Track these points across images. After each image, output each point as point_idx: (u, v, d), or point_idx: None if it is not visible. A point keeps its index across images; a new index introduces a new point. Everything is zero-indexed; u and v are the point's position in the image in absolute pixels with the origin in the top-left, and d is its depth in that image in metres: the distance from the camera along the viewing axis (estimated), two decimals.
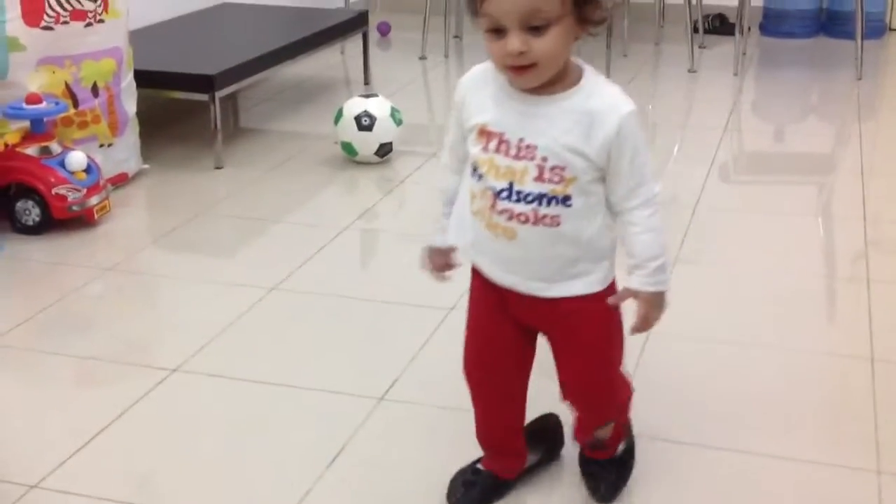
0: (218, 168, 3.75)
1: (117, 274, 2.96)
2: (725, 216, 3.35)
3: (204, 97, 3.65)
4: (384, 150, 3.72)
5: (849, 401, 2.27)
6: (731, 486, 1.96)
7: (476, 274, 1.65)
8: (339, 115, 3.73)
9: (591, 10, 1.42)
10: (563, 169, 1.47)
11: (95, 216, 3.19)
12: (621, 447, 1.84)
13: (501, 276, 1.58)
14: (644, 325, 1.58)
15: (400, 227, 3.31)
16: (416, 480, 1.95)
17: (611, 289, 1.61)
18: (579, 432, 1.81)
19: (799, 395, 2.30)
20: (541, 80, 1.43)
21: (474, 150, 1.52)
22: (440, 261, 1.70)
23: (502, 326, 1.64)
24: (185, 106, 4.04)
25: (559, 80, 1.46)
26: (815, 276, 2.92)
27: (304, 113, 4.51)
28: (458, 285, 1.82)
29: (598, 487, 1.82)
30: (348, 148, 3.72)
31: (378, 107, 3.70)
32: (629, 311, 1.64)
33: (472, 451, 1.89)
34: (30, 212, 3.10)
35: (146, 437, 2.17)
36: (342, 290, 2.83)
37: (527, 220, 1.50)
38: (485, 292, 1.62)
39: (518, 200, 1.49)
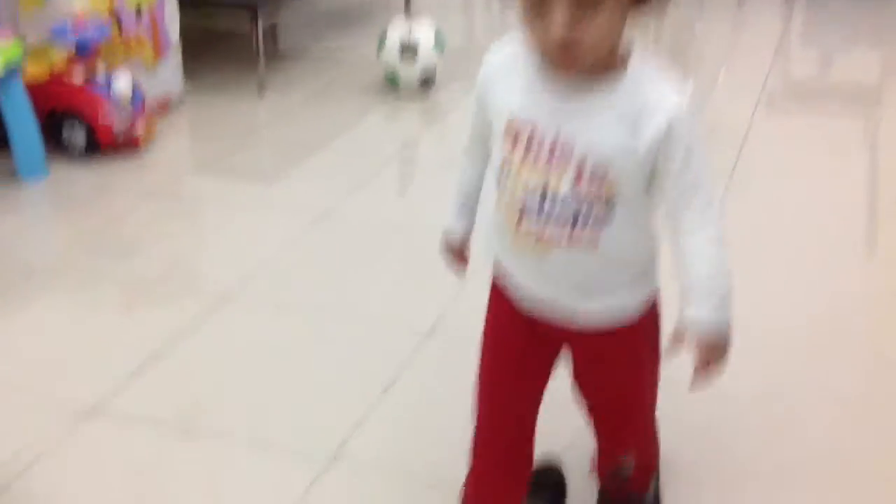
0: (261, 93, 3.73)
1: (162, 199, 2.98)
2: (773, 147, 3.30)
3: (247, 23, 3.62)
4: (427, 80, 3.68)
5: None
6: None
7: (497, 291, 1.43)
8: (382, 42, 3.69)
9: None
10: (605, 172, 1.22)
11: (140, 142, 3.19)
12: (651, 488, 1.61)
13: (528, 297, 1.36)
14: (705, 371, 1.29)
15: (442, 157, 3.29)
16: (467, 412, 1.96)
17: (653, 306, 1.39)
18: (601, 463, 1.56)
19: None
20: (584, 66, 1.19)
21: (501, 150, 1.29)
22: (456, 251, 1.52)
23: (524, 345, 1.41)
24: (226, 31, 4.01)
25: (603, 65, 1.21)
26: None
27: (344, 37, 4.46)
28: None
29: None
30: (392, 78, 3.68)
31: (422, 33, 3.65)
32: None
33: None
34: (76, 137, 3.11)
35: (197, 363, 2.21)
36: (388, 220, 2.83)
37: (559, 244, 1.27)
38: (505, 306, 1.40)
39: (549, 217, 1.25)
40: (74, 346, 2.25)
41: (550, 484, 1.66)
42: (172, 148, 3.32)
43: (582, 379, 1.44)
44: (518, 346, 1.41)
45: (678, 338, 1.28)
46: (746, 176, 3.05)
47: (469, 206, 1.47)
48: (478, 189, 1.46)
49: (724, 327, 1.26)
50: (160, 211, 2.92)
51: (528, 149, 1.25)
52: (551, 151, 1.23)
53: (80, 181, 3.06)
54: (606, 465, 1.54)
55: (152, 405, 2.05)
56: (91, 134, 3.10)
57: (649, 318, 1.37)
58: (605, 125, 1.21)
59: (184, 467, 1.88)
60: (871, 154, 3.32)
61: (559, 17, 1.12)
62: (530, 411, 1.46)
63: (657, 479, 1.65)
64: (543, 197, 1.24)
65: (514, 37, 1.29)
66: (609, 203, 1.24)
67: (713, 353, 1.27)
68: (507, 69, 1.29)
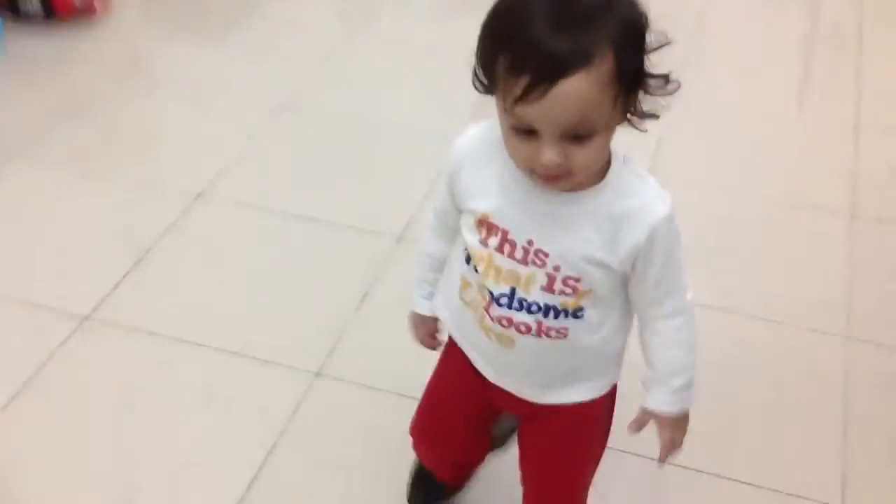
0: None
1: (121, 67, 2.98)
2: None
3: None
4: None
5: None
6: None
7: (454, 347, 1.38)
8: None
9: (634, 99, 1.11)
10: (577, 280, 1.18)
11: (98, 10, 3.14)
12: None
13: (491, 375, 1.33)
14: (670, 450, 1.31)
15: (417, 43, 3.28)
16: None
17: (612, 392, 1.37)
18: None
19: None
20: (573, 186, 1.14)
21: (470, 238, 1.22)
22: (426, 329, 1.44)
23: (472, 403, 1.42)
24: None
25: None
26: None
27: None
28: None
29: None
30: None
31: None
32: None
33: None
34: (33, 5, 3.04)
35: (174, 268, 2.28)
36: (357, 113, 2.87)
37: (528, 331, 1.23)
38: (463, 368, 1.36)
39: (520, 309, 1.21)
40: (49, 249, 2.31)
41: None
42: (130, 15, 3.26)
43: (529, 452, 1.42)
44: (467, 406, 1.43)
45: (641, 423, 1.30)
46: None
47: (436, 285, 1.39)
48: (444, 264, 1.37)
49: (687, 411, 1.29)
50: (118, 79, 2.91)
51: (500, 247, 1.20)
52: (525, 254, 1.18)
53: (38, 50, 3.01)
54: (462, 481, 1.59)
55: (137, 315, 2.13)
56: (48, 2, 3.03)
57: (608, 399, 1.36)
58: (581, 237, 1.16)
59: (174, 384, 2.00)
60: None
61: (550, 153, 1.06)
62: (473, 455, 1.56)
63: None
64: (513, 293, 1.20)
65: (487, 124, 1.21)
66: (580, 304, 1.21)
67: (675, 433, 1.29)
68: (481, 159, 1.21)
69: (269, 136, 2.75)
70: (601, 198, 1.15)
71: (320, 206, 2.48)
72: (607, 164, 1.16)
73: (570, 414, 1.32)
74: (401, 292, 1.49)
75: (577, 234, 1.16)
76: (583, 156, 1.08)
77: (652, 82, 1.09)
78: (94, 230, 2.35)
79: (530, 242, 1.17)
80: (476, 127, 1.24)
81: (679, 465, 1.74)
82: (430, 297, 1.39)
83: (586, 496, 1.47)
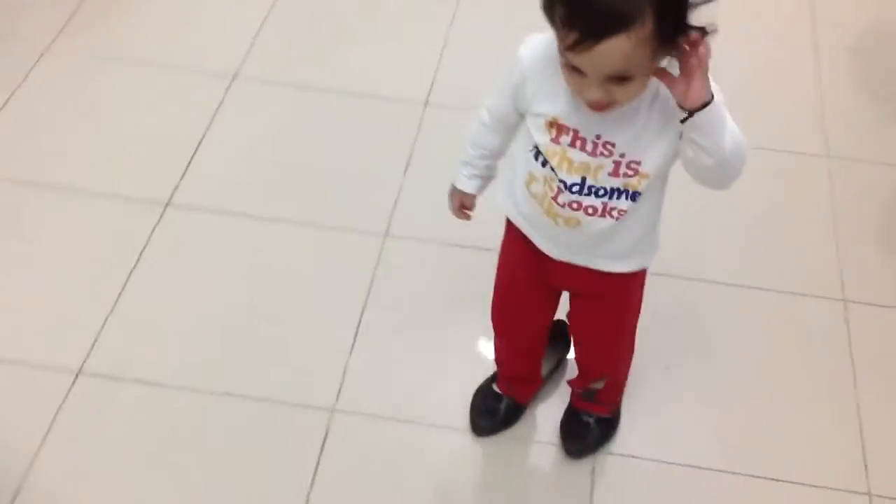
0: None
1: None
2: None
3: None
4: None
5: None
6: None
7: (513, 229, 1.57)
8: None
9: (674, 43, 1.22)
10: (639, 163, 1.35)
11: None
12: (615, 417, 1.87)
13: (552, 253, 1.52)
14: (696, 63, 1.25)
15: None
16: None
17: (645, 270, 1.58)
18: (576, 382, 1.82)
19: None
20: (618, 111, 1.30)
21: (541, 138, 1.38)
22: (460, 202, 1.63)
23: (536, 281, 1.60)
24: None
25: None
26: None
27: None
28: None
29: (573, 443, 1.83)
30: None
31: None
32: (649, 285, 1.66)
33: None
34: None
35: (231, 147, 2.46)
36: None
37: (594, 213, 1.41)
38: (526, 253, 1.56)
39: (588, 194, 1.39)
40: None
41: (557, 335, 1.88)
42: None
43: (578, 316, 1.65)
44: (531, 282, 1.61)
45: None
46: None
47: (486, 173, 1.57)
48: (498, 158, 1.56)
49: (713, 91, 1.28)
50: None
51: (572, 143, 1.36)
52: (594, 147, 1.35)
53: None
54: (581, 384, 1.81)
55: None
56: None
57: (643, 273, 1.58)
58: (641, 123, 1.32)
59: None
60: None
61: (593, 91, 1.23)
62: (541, 331, 1.75)
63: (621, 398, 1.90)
64: (583, 181, 1.38)
65: (547, 37, 1.30)
66: (639, 188, 1.38)
67: (704, 61, 1.24)
68: (546, 68, 1.34)
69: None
70: (649, 96, 1.31)
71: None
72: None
73: (616, 283, 1.54)
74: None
75: (638, 122, 1.33)
76: (623, 93, 1.25)
77: (693, 34, 1.20)
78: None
79: (598, 136, 1.35)
80: (538, 39, 1.36)
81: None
82: (473, 178, 1.58)
83: (632, 343, 1.76)
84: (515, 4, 2.15)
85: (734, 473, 1.91)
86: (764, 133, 2.55)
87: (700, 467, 1.91)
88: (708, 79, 1.23)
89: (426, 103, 2.55)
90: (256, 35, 2.75)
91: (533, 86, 1.37)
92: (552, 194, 1.41)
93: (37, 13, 2.75)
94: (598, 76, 1.22)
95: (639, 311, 1.68)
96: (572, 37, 1.17)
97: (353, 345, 2.05)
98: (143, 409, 1.94)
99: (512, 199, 1.52)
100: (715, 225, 2.37)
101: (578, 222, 1.43)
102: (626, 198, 1.39)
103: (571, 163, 1.37)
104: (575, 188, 1.39)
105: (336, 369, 2.01)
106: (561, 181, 1.39)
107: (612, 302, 1.60)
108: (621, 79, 1.22)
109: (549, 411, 1.95)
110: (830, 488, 1.88)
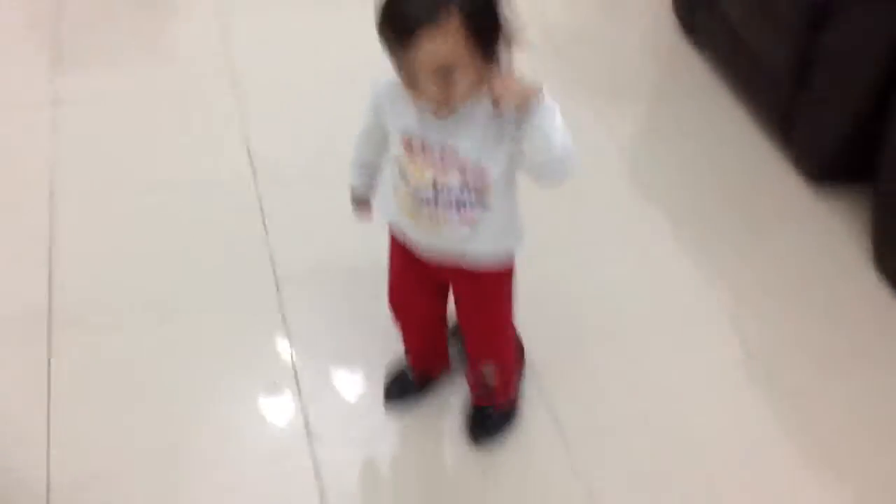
0: None
1: None
2: None
3: None
4: None
5: None
6: None
7: (393, 233, 1.74)
8: None
9: (496, 48, 1.41)
10: (483, 172, 1.51)
11: None
12: (512, 408, 1.97)
13: (422, 250, 1.68)
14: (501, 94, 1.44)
15: None
16: None
17: (511, 261, 1.71)
18: (470, 374, 1.94)
19: None
20: (458, 110, 1.46)
21: (397, 151, 1.55)
22: (362, 206, 1.79)
23: (419, 277, 1.76)
24: None
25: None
26: None
27: None
28: None
29: (476, 432, 1.94)
30: None
31: None
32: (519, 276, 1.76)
33: None
34: None
35: None
36: None
37: (449, 221, 1.57)
38: (403, 250, 1.73)
39: (441, 202, 1.55)
40: None
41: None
42: None
43: (459, 306, 1.81)
44: (414, 278, 1.77)
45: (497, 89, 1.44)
46: None
47: (368, 172, 1.74)
48: (374, 163, 1.71)
49: (538, 95, 1.43)
50: None
51: (422, 155, 1.52)
52: (441, 156, 1.50)
53: None
54: (474, 374, 1.91)
55: None
56: None
57: (508, 264, 1.71)
58: (479, 133, 1.48)
59: None
60: None
61: (429, 86, 1.39)
62: (431, 317, 1.88)
63: (519, 385, 2.00)
64: (436, 188, 1.53)
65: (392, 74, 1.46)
66: (487, 192, 1.53)
67: (511, 85, 1.42)
68: (395, 96, 1.51)
69: None
70: (483, 104, 1.46)
71: None
72: (483, 82, 1.43)
73: (485, 278, 1.69)
74: None
75: (476, 133, 1.48)
76: (456, 87, 1.40)
77: (505, 31, 1.40)
78: None
79: (444, 146, 1.50)
80: (385, 80, 1.53)
81: None
82: (358, 177, 1.74)
83: (510, 329, 1.87)
84: None
85: None
86: None
87: None
88: (518, 96, 1.40)
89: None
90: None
91: (387, 108, 1.55)
92: (411, 202, 1.57)
93: None
94: (428, 71, 1.37)
95: (510, 301, 1.79)
96: (394, 38, 1.36)
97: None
98: None
99: (385, 207, 1.69)
100: None
101: (438, 227, 1.58)
102: (478, 207, 1.55)
103: (423, 175, 1.53)
104: (428, 196, 1.55)
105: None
106: (416, 190, 1.55)
107: (483, 292, 1.73)
108: (448, 72, 1.37)
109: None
110: None
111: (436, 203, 1.55)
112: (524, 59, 1.47)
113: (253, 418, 1.92)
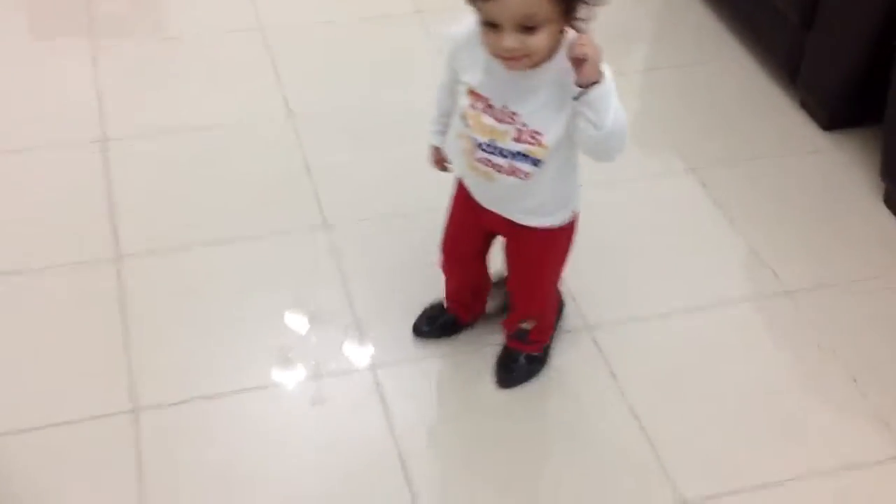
0: None
1: None
2: None
3: None
4: None
5: None
6: None
7: (460, 183, 1.83)
8: None
9: (579, 12, 1.47)
10: (539, 136, 1.57)
11: None
12: (542, 354, 2.03)
13: (480, 201, 1.77)
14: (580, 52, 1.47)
15: None
16: None
17: (569, 226, 1.77)
18: (508, 321, 2.01)
19: None
20: (531, 66, 1.51)
21: (462, 102, 1.62)
22: (437, 157, 1.87)
23: (473, 227, 1.85)
24: None
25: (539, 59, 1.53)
26: None
27: None
28: None
29: (503, 375, 2.00)
30: None
31: None
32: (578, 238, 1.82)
33: None
34: None
35: None
36: None
37: (501, 171, 1.64)
38: (465, 199, 1.80)
39: (495, 154, 1.62)
40: None
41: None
42: None
43: (510, 261, 1.89)
44: (470, 227, 1.87)
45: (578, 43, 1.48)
46: None
47: (445, 126, 1.81)
48: (450, 113, 1.77)
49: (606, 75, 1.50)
50: None
51: (484, 109, 1.60)
52: (501, 114, 1.58)
53: None
54: (512, 325, 2.00)
55: None
56: None
57: (565, 231, 1.78)
58: (541, 99, 1.55)
59: None
60: None
61: (509, 39, 1.44)
62: (474, 263, 1.97)
63: (551, 338, 2.06)
64: (493, 141, 1.61)
65: (472, 19, 1.52)
66: (539, 156, 1.59)
67: (592, 49, 1.46)
68: (470, 44, 1.58)
69: None
70: (552, 69, 1.52)
71: None
72: (557, 46, 1.51)
73: (537, 234, 1.76)
74: None
75: (538, 98, 1.55)
76: (534, 42, 1.45)
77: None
78: None
79: (505, 105, 1.58)
80: (464, 21, 1.58)
81: None
82: (437, 133, 1.83)
83: (553, 290, 1.98)
84: None
85: None
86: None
87: None
88: (599, 64, 1.46)
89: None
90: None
91: (459, 58, 1.63)
92: (470, 150, 1.65)
93: None
94: (511, 23, 1.43)
95: (560, 264, 1.86)
96: None
97: None
98: None
99: (451, 154, 1.79)
100: None
101: (491, 177, 1.66)
102: (529, 163, 1.61)
103: (483, 125, 1.61)
104: (486, 147, 1.63)
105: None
106: (475, 139, 1.63)
107: (533, 249, 1.80)
108: (530, 28, 1.43)
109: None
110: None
111: (492, 155, 1.63)
112: None
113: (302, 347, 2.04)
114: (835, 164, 2.52)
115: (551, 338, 2.04)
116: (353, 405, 1.93)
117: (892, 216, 2.37)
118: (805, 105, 2.67)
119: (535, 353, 2.02)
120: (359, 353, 2.03)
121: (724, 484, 1.81)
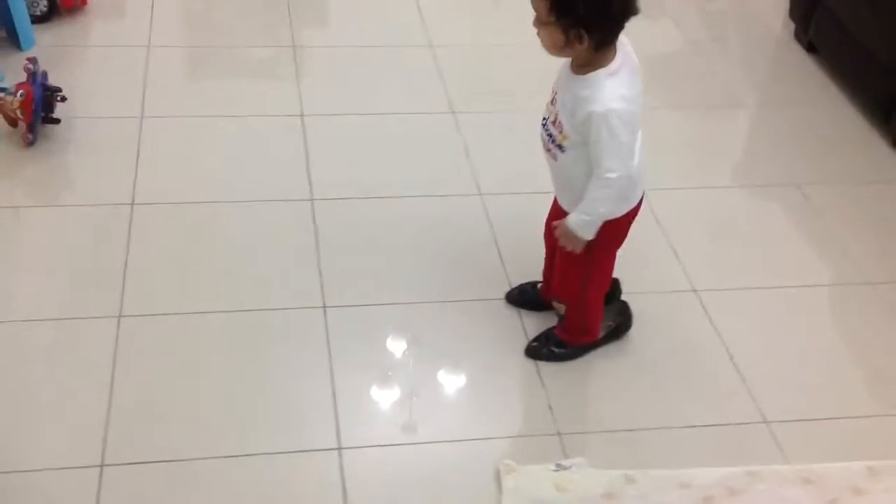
0: None
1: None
2: None
3: None
4: None
5: None
6: None
7: None
8: None
9: (574, 32, 1.81)
10: (562, 126, 1.93)
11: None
12: (567, 350, 2.24)
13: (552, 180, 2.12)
14: (559, 235, 2.02)
15: None
16: None
17: (611, 220, 2.02)
18: (546, 291, 2.30)
19: None
20: (548, 53, 1.88)
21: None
22: None
23: (555, 206, 2.15)
24: None
25: (583, 66, 1.88)
26: None
27: None
28: None
29: (531, 344, 2.25)
30: None
31: None
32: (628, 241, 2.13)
33: None
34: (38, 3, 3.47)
35: None
36: None
37: (546, 147, 2.01)
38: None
39: (545, 129, 2.00)
40: None
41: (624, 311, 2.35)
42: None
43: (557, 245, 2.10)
44: (555, 208, 2.17)
45: (557, 226, 2.02)
46: None
47: None
48: None
49: (576, 232, 1.97)
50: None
51: (552, 98, 2.00)
52: (553, 101, 1.98)
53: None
54: (547, 295, 2.28)
55: None
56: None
57: (607, 225, 2.01)
58: (567, 101, 1.91)
59: None
60: None
61: (534, 24, 1.86)
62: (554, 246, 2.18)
63: (586, 348, 2.27)
64: (545, 120, 2.00)
65: None
66: (562, 143, 1.95)
67: (563, 234, 2.01)
68: None
69: None
70: (579, 83, 1.89)
71: None
72: (595, 67, 1.87)
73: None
74: None
75: (566, 100, 1.92)
76: (539, 34, 1.86)
77: (582, 29, 1.81)
78: None
79: (555, 93, 1.98)
80: None
81: None
82: None
83: (587, 291, 2.18)
84: None
85: None
86: None
87: None
88: (572, 242, 2.01)
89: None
90: None
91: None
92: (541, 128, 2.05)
93: None
94: (536, 14, 1.85)
95: (596, 253, 2.07)
96: None
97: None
98: None
99: None
100: None
101: (545, 150, 2.03)
102: (556, 145, 1.97)
103: (548, 106, 2.01)
104: (544, 122, 2.02)
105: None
106: (543, 115, 2.03)
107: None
108: (538, 25, 1.85)
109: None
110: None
111: (543, 129, 2.00)
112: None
113: None
114: None
115: (583, 349, 2.24)
116: None
117: None
118: None
119: (561, 338, 2.24)
120: None
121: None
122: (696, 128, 3.16)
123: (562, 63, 1.97)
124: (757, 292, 2.50)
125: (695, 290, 2.48)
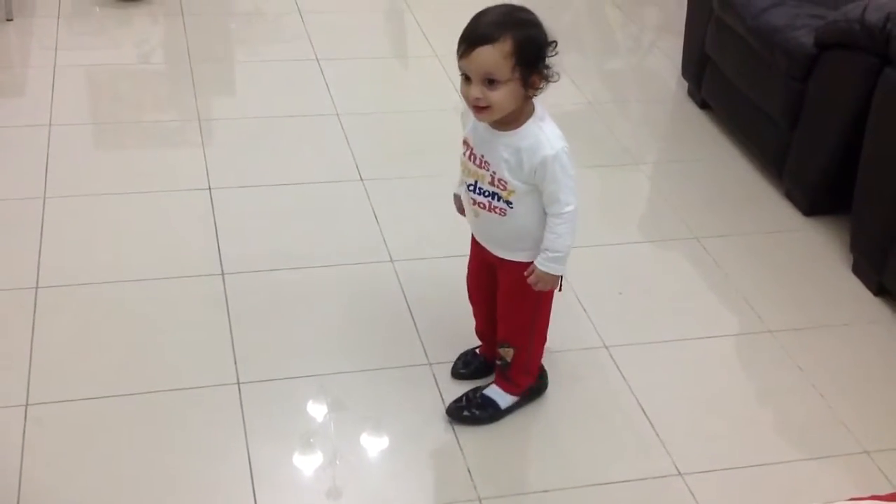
0: None
1: None
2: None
3: None
4: None
5: None
6: None
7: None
8: None
9: (536, 80, 1.88)
10: (505, 182, 1.97)
11: None
12: (510, 400, 2.27)
13: (476, 236, 2.16)
14: (534, 284, 2.04)
15: None
16: None
17: None
18: (492, 344, 2.29)
19: None
20: (492, 119, 1.91)
21: (462, 149, 2.06)
22: (458, 203, 2.21)
23: (478, 260, 2.20)
24: None
25: (510, 121, 1.93)
26: None
27: None
28: None
29: (457, 406, 2.26)
30: None
31: None
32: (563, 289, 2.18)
33: None
34: None
35: None
36: None
37: (484, 208, 2.03)
38: (474, 240, 2.18)
39: (479, 193, 2.02)
40: None
41: None
42: None
43: (498, 291, 2.18)
44: (477, 264, 2.22)
45: (529, 273, 2.04)
46: None
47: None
48: None
49: (551, 272, 2.02)
50: None
51: (469, 156, 2.03)
52: (480, 162, 2.00)
53: None
54: (493, 351, 2.28)
55: None
56: None
57: None
58: (504, 157, 1.95)
59: None
60: None
61: (475, 90, 1.86)
62: (488, 296, 2.24)
63: (538, 388, 2.33)
64: (475, 183, 2.02)
65: None
66: (509, 198, 1.99)
67: (540, 280, 2.04)
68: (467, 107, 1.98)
69: None
70: (514, 138, 1.95)
71: None
72: (526, 117, 1.95)
73: (514, 268, 2.09)
74: None
75: (502, 156, 1.97)
76: (494, 96, 1.87)
77: (544, 71, 1.90)
78: None
79: (482, 156, 2.00)
80: None
81: None
82: (460, 185, 2.16)
83: (535, 327, 2.22)
84: None
85: None
86: None
87: None
88: (547, 286, 2.06)
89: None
90: None
91: (465, 115, 2.06)
92: (465, 194, 2.07)
93: None
94: (478, 77, 1.86)
95: (541, 301, 2.15)
96: (461, 49, 1.87)
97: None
98: None
99: (462, 200, 2.15)
100: None
101: (478, 213, 2.07)
102: (502, 202, 2.01)
103: (469, 169, 2.04)
104: (471, 188, 2.05)
105: None
106: (465, 182, 2.06)
107: (514, 282, 2.10)
108: (491, 82, 1.85)
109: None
110: None
111: (476, 194, 2.02)
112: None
113: None
114: (814, 241, 3.02)
115: (503, 412, 2.25)
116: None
117: (858, 281, 2.86)
118: (790, 195, 3.21)
119: (499, 390, 2.26)
120: None
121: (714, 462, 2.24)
122: (599, 186, 3.25)
123: (469, 127, 2.02)
124: (665, 345, 2.57)
125: (606, 346, 2.53)
